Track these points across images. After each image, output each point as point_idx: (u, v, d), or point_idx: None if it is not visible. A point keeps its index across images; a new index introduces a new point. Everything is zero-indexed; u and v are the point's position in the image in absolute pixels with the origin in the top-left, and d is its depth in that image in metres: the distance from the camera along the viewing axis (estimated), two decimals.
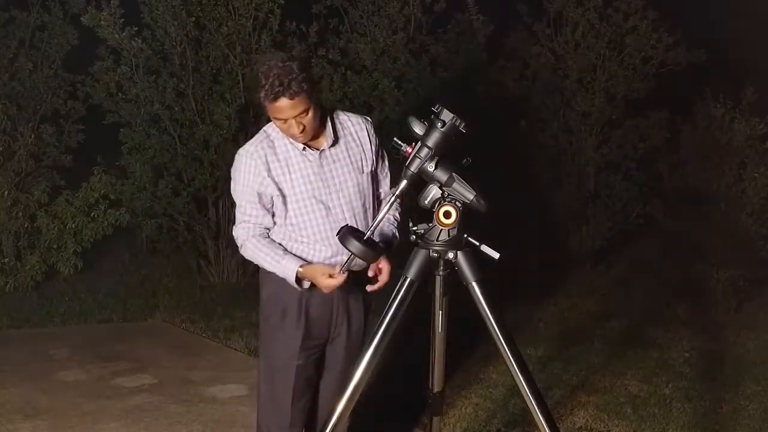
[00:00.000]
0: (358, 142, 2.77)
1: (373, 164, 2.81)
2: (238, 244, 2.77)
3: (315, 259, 2.68)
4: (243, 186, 2.69)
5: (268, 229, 2.73)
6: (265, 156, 2.65)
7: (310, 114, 2.55)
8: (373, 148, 2.80)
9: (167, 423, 3.95)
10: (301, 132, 2.56)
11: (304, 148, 2.66)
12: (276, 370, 2.83)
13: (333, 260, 2.66)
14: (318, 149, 2.68)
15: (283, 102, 2.50)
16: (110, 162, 6.49)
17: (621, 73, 6.75)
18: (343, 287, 2.62)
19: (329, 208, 2.67)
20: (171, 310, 5.92)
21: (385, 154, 2.89)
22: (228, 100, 6.27)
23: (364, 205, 2.75)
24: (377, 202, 2.83)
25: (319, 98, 2.65)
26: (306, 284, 2.67)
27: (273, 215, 2.73)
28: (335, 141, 2.71)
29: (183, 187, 6.37)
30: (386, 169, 2.89)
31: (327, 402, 2.81)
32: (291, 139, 2.65)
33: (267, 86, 2.49)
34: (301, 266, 2.63)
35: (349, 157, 2.74)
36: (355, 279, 2.67)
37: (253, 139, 2.73)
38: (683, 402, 4.23)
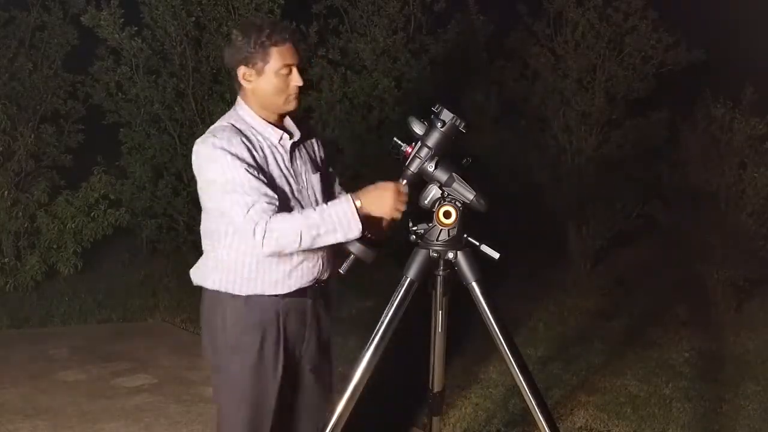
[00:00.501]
0: (311, 139, 2.62)
1: (324, 163, 2.64)
2: (259, 237, 2.24)
3: (286, 265, 2.42)
4: (237, 161, 2.29)
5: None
6: (245, 144, 2.34)
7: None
8: (322, 147, 2.66)
9: (167, 423, 3.95)
10: (298, 89, 2.41)
11: (280, 138, 2.43)
12: (258, 409, 2.45)
13: (303, 264, 2.45)
14: (290, 138, 2.47)
15: (288, 46, 2.37)
16: (110, 162, 6.49)
17: (621, 73, 6.74)
18: (315, 295, 2.50)
19: (302, 207, 2.43)
20: (171, 310, 5.92)
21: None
22: (228, 100, 6.27)
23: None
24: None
25: None
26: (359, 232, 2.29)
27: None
28: (303, 137, 2.52)
29: (183, 187, 6.37)
30: (331, 169, 2.71)
31: (304, 426, 2.62)
32: (262, 129, 2.41)
33: (275, 29, 2.35)
34: (353, 198, 2.28)
35: (309, 154, 2.57)
36: (322, 289, 2.55)
37: (218, 128, 2.38)
38: (683, 402, 4.23)
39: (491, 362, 4.53)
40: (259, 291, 2.42)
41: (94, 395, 4.29)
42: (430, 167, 2.40)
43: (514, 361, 2.44)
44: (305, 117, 2.69)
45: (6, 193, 6.33)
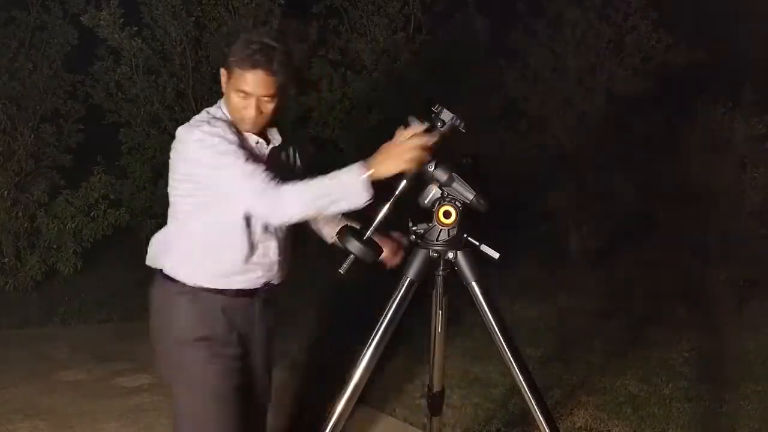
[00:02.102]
0: (293, 156, 2.56)
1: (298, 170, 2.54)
2: (275, 199, 2.20)
3: (237, 264, 2.37)
4: (228, 140, 2.27)
5: None
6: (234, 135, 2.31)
7: (272, 105, 2.31)
8: (299, 155, 2.56)
9: (167, 423, 3.94)
10: (255, 117, 2.30)
11: (257, 142, 2.37)
12: (218, 399, 2.38)
13: (257, 267, 2.41)
14: (267, 144, 2.40)
15: (258, 75, 2.24)
16: (110, 162, 6.49)
17: (621, 73, 6.75)
18: (263, 296, 2.45)
19: None
20: None
21: None
22: None
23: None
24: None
25: (287, 97, 2.40)
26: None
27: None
28: (282, 142, 2.45)
29: None
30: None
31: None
32: (237, 126, 2.35)
33: (248, 51, 2.23)
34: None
35: (286, 161, 2.49)
36: (272, 292, 2.49)
37: (199, 119, 2.41)
38: (683, 402, 4.23)
39: (491, 362, 4.52)
40: (206, 283, 2.37)
41: (94, 395, 4.29)
42: (430, 167, 2.40)
43: (514, 361, 2.43)
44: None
45: (6, 193, 6.33)
